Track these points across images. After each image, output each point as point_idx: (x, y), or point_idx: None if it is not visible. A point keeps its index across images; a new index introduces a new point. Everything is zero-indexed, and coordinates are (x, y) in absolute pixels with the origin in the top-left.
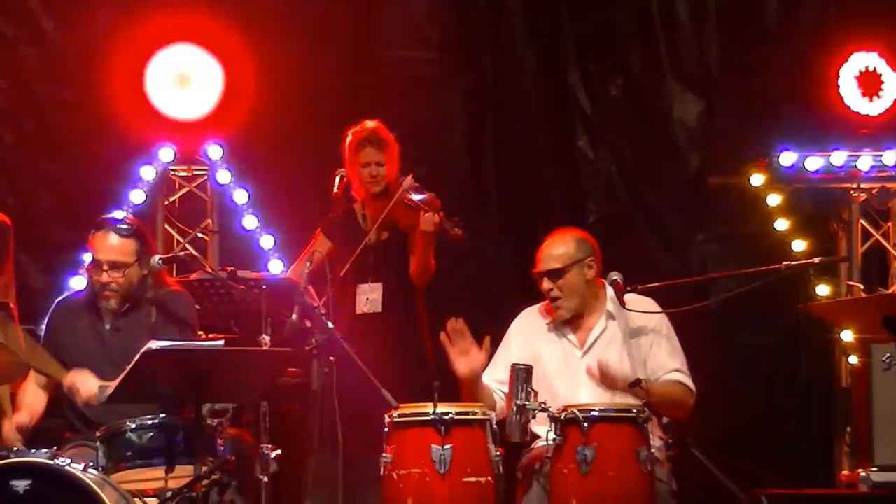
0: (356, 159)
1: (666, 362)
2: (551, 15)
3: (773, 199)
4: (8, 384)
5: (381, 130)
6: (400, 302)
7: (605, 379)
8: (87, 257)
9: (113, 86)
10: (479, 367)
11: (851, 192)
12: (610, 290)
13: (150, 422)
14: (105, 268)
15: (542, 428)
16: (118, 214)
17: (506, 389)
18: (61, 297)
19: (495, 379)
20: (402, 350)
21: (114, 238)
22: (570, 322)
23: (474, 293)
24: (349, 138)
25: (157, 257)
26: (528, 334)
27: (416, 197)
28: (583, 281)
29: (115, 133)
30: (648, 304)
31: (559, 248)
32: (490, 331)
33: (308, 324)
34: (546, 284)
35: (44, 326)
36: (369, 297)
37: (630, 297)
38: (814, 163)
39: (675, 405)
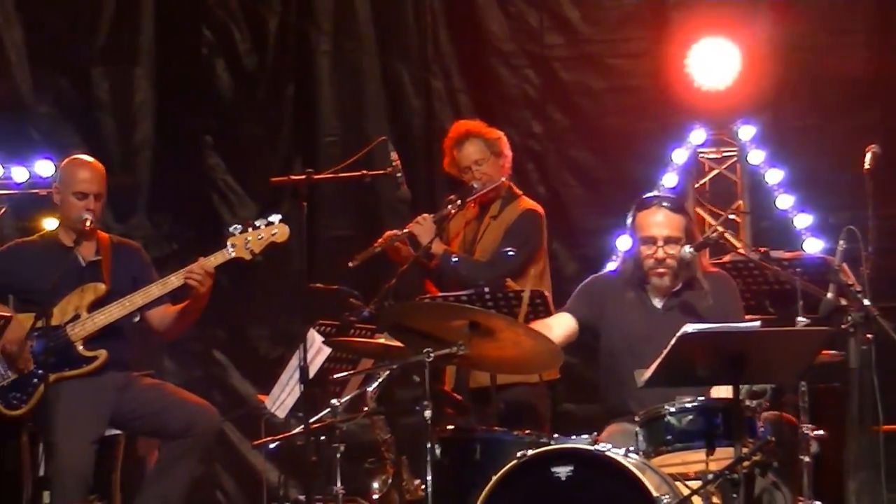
0: None
1: None
2: None
3: None
4: (545, 371)
5: None
6: None
7: None
8: (621, 242)
9: (639, 70)
10: None
11: None
12: None
13: (689, 405)
14: (660, 243)
15: None
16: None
17: None
18: (597, 273)
19: None
20: None
21: (666, 213)
22: None
23: None
24: None
25: (686, 248)
26: None
27: None
28: None
29: (642, 117)
30: None
31: None
32: None
33: (844, 302)
34: None
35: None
36: None
37: None
38: None
39: None
